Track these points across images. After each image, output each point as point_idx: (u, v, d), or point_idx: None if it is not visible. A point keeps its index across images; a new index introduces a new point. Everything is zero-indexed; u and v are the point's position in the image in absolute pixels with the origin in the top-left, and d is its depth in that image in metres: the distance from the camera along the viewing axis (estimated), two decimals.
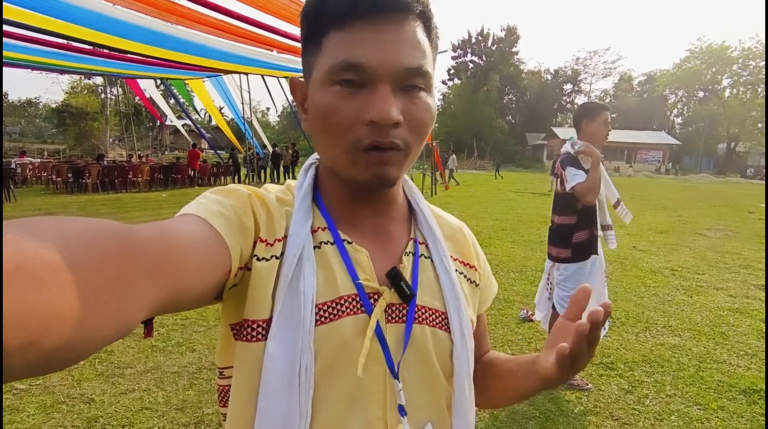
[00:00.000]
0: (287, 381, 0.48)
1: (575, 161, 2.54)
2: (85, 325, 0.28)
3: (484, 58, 54.34)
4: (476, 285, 0.67)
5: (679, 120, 56.42)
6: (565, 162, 2.56)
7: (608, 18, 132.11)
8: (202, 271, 0.42)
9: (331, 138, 0.51)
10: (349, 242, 0.56)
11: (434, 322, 0.57)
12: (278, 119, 49.93)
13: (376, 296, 0.54)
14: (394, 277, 0.55)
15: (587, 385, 2.70)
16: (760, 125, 42.35)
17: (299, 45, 0.56)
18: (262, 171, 19.05)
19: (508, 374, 0.65)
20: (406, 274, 0.57)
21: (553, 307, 2.73)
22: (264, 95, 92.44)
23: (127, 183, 14.44)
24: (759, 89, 42.61)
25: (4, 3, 4.39)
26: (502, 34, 53.84)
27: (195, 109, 38.99)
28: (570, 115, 51.15)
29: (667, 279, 5.08)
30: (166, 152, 39.64)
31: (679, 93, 53.10)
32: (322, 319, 0.51)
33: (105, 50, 7.11)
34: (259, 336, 0.50)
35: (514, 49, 54.41)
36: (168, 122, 30.33)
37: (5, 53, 6.77)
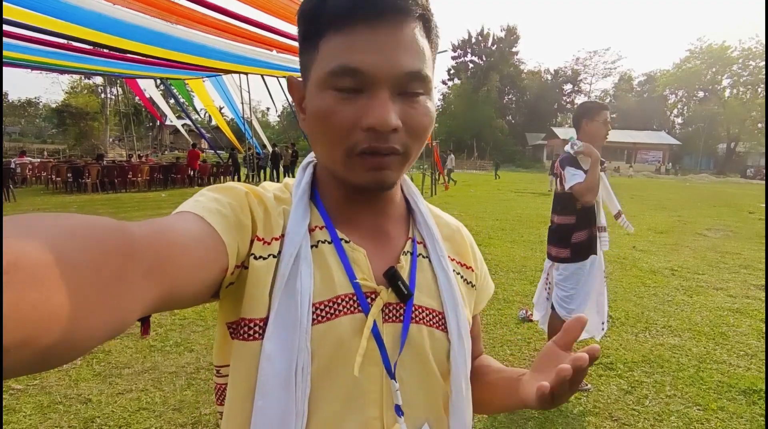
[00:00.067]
0: (284, 380, 0.48)
1: (574, 161, 2.55)
2: (81, 322, 0.28)
3: (484, 58, 54.40)
4: (473, 286, 0.66)
5: (679, 120, 56.52)
6: (564, 162, 2.57)
7: (608, 18, 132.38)
8: (198, 269, 0.42)
9: (328, 141, 0.51)
10: (346, 241, 0.56)
11: (431, 322, 0.57)
12: (278, 119, 50.01)
13: (373, 295, 0.54)
14: (391, 277, 0.55)
15: (586, 385, 2.70)
16: (760, 125, 42.39)
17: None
18: (262, 171, 19.06)
19: (491, 387, 0.65)
20: (404, 274, 0.57)
21: (552, 307, 2.73)
22: (264, 95, 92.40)
23: (127, 183, 14.45)
24: (759, 89, 42.67)
25: (4, 3, 4.39)
26: (502, 34, 53.96)
27: (195, 109, 39.01)
28: (570, 115, 51.06)
29: (666, 279, 5.08)
30: (166, 152, 39.69)
31: (679, 93, 53.18)
32: (319, 318, 0.50)
33: (105, 50, 7.09)
34: (256, 335, 0.49)
35: (514, 49, 54.50)
36: (168, 122, 30.32)
37: (5, 53, 6.75)
